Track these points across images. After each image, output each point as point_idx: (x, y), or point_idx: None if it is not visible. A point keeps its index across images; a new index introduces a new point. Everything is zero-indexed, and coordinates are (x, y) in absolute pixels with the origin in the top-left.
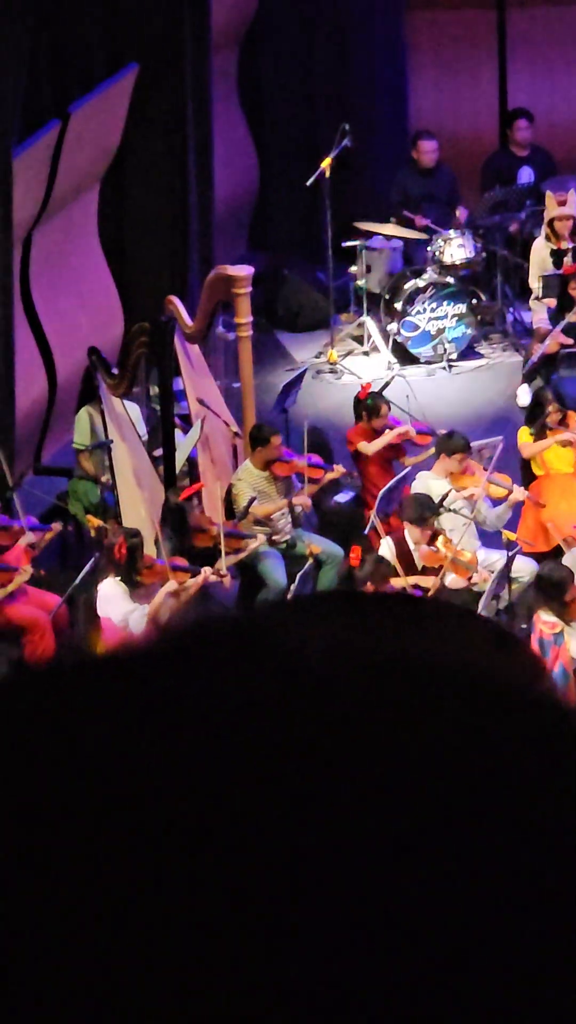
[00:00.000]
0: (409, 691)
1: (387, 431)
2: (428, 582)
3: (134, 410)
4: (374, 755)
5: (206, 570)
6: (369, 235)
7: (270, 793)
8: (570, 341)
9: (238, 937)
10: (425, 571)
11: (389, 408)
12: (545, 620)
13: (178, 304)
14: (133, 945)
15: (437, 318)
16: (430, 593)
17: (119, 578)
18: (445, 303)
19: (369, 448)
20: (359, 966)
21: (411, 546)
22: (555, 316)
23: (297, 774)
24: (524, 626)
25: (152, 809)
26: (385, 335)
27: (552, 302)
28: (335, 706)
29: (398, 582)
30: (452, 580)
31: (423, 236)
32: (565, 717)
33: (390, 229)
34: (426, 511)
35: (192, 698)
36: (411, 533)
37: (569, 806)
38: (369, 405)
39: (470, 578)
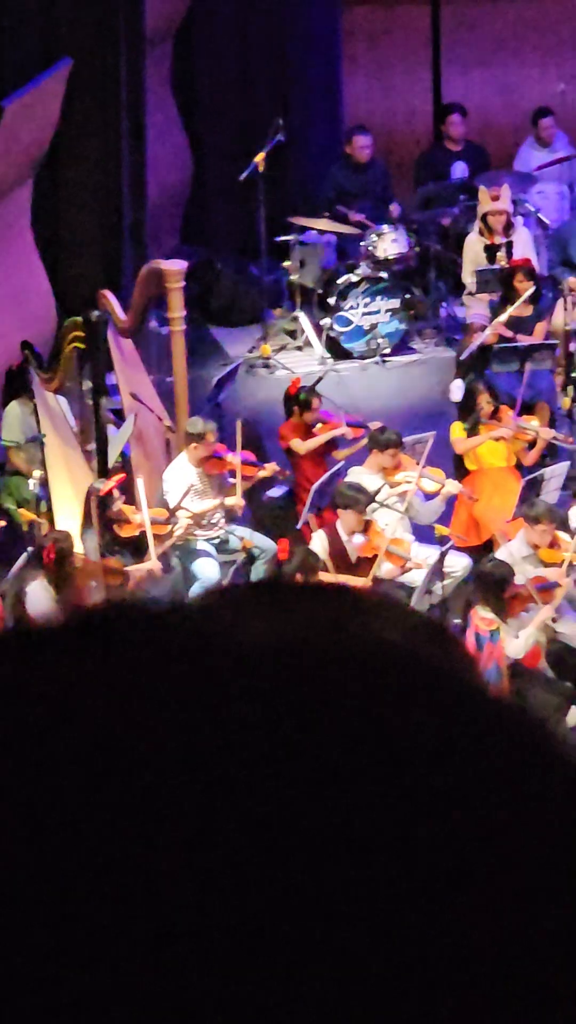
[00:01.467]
0: (339, 673)
1: (319, 426)
2: (359, 582)
3: (63, 404)
4: (300, 737)
5: (140, 567)
6: (303, 230)
7: (187, 777)
8: (510, 333)
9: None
10: (359, 562)
11: (320, 402)
12: (482, 616)
13: (111, 298)
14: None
15: (370, 313)
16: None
17: (48, 580)
18: (378, 298)
19: (302, 447)
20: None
21: (344, 538)
22: (497, 308)
23: (216, 750)
24: (457, 621)
25: (40, 790)
26: (318, 330)
27: (485, 297)
28: (255, 687)
29: (328, 579)
30: (387, 570)
31: (357, 231)
32: (496, 707)
33: (324, 224)
34: (360, 495)
35: (93, 678)
36: (344, 521)
37: (500, 797)
38: (300, 400)
39: (404, 566)
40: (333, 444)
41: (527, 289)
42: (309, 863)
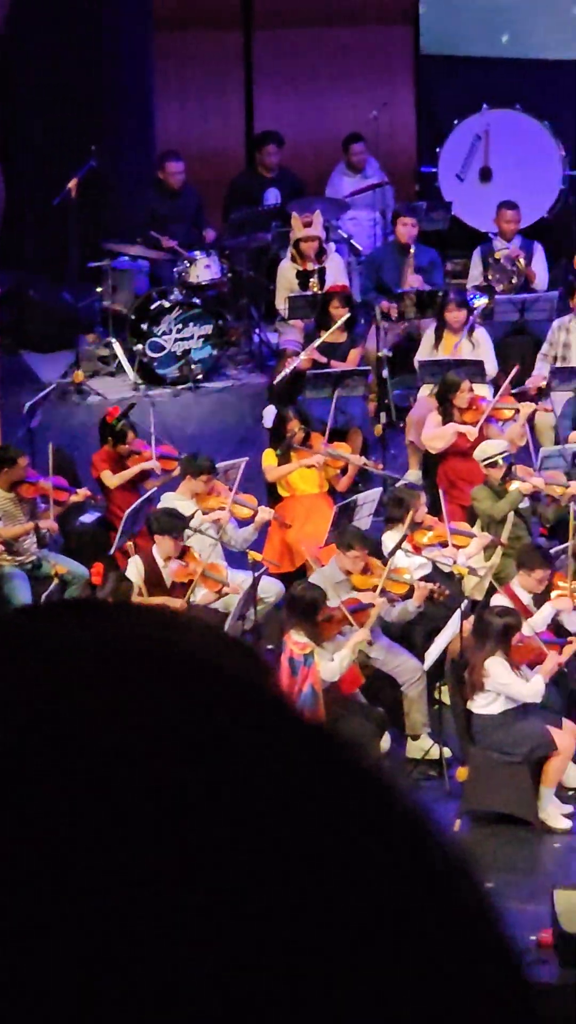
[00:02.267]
0: (137, 676)
1: (132, 458)
2: (174, 605)
3: None
4: (109, 743)
5: None
6: (115, 255)
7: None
8: (324, 359)
9: None
10: (174, 587)
11: (136, 434)
12: (296, 640)
13: None
14: None
15: (183, 339)
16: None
17: None
18: (191, 324)
19: (112, 481)
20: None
21: (160, 563)
22: (312, 334)
23: (30, 756)
24: (271, 647)
25: None
26: (131, 355)
27: (299, 323)
28: (67, 692)
29: (142, 602)
30: (202, 595)
31: (169, 257)
32: (296, 722)
33: (136, 250)
34: (176, 521)
35: None
36: (160, 547)
37: (305, 812)
38: (116, 431)
39: (220, 591)
40: (145, 474)
41: (342, 315)
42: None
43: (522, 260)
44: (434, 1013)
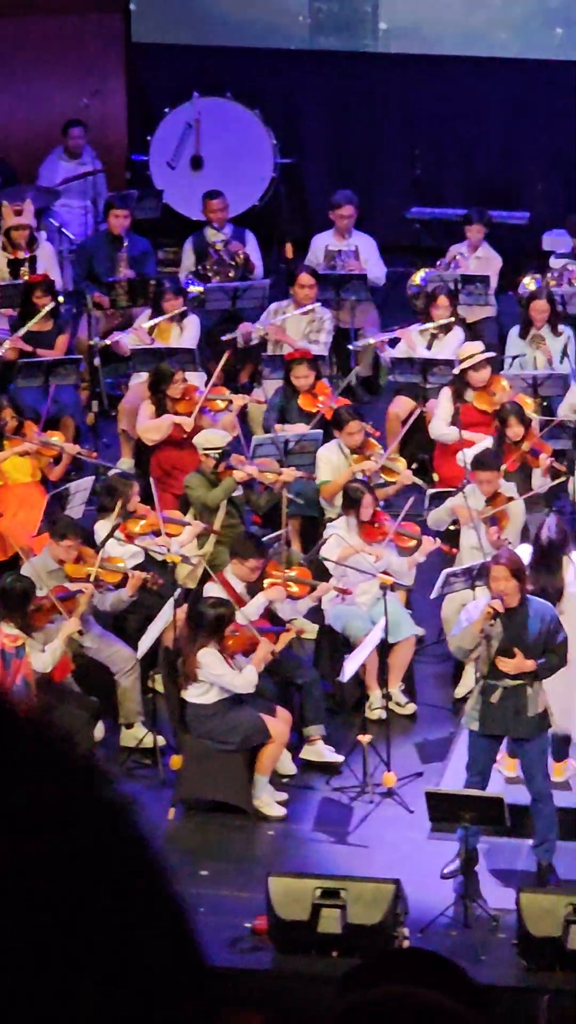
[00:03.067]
0: None
1: None
2: None
3: None
4: None
5: None
6: None
7: None
8: (29, 348)
9: None
10: None
11: None
12: (7, 633)
13: None
14: None
15: None
16: None
17: None
18: None
19: None
20: None
21: None
22: (16, 324)
23: None
24: None
25: None
26: None
27: (7, 312)
28: None
29: None
30: None
31: None
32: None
33: None
34: None
35: None
36: None
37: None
38: None
39: None
40: None
41: (46, 304)
42: None
43: (242, 254)
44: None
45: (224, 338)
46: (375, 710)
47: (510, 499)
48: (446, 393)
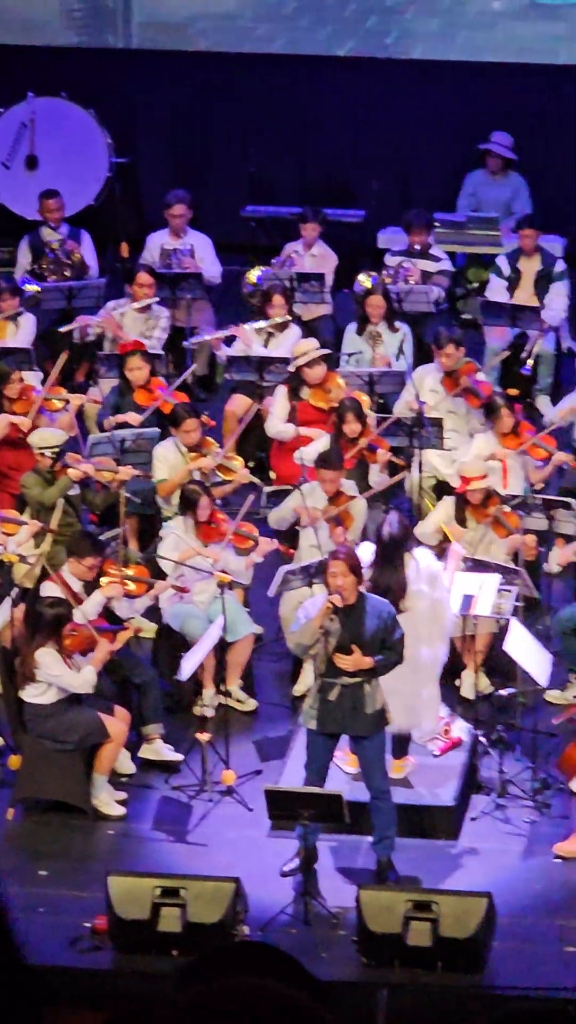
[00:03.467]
0: None
1: None
2: None
3: None
4: None
5: None
6: None
7: None
8: None
9: None
10: None
11: None
12: None
13: None
14: None
15: None
16: None
17: None
18: None
19: None
20: None
21: None
22: None
23: None
24: None
25: None
26: None
27: None
28: None
29: None
30: None
31: None
32: None
33: None
34: None
35: None
36: None
37: None
38: None
39: None
40: None
41: None
42: None
43: (78, 253)
44: None
45: (61, 329)
46: (205, 707)
47: (352, 498)
48: (282, 391)
